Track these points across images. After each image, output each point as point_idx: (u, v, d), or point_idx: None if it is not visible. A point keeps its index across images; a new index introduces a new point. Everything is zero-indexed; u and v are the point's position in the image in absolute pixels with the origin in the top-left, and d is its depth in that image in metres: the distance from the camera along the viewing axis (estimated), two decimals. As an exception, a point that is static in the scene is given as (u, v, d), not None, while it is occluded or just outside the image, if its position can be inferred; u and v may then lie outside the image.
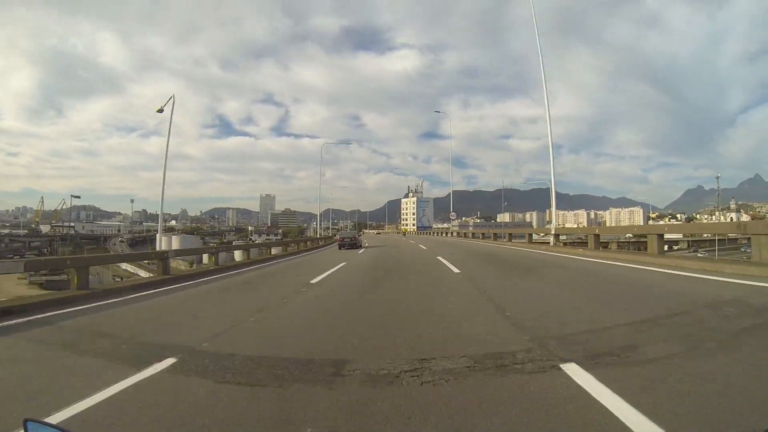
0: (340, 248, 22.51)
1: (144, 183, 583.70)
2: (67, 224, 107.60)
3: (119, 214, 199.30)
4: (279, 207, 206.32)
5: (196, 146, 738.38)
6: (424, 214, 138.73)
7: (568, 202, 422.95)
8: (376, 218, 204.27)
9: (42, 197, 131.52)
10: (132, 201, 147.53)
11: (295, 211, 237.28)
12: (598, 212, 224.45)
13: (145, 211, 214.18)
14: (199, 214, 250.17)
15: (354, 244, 23.31)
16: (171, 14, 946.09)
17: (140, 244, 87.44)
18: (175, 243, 49.04)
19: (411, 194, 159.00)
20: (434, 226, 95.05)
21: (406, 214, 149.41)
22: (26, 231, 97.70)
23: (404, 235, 65.43)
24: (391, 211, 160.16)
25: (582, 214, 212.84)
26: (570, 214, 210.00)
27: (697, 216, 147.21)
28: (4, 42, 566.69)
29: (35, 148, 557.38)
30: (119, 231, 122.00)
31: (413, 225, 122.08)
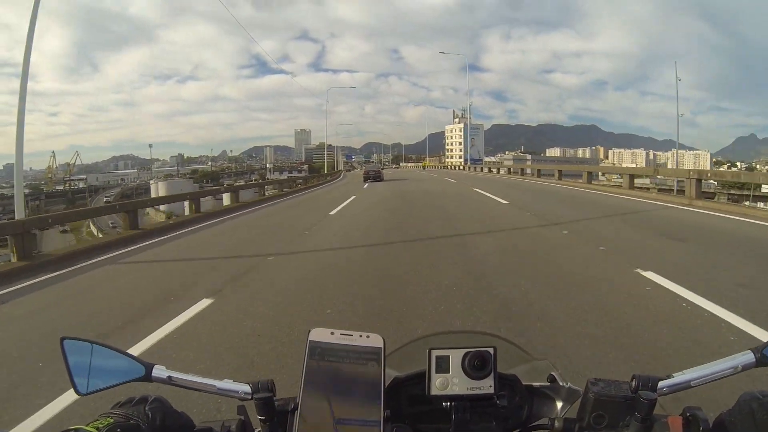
0: (365, 181, 25.66)
1: (184, 127, 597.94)
2: (80, 178, 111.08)
3: (158, 160, 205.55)
4: (315, 141, 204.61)
5: (233, 87, 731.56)
6: (473, 144, 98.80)
7: (612, 140, 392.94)
8: (417, 151, 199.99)
9: (53, 152, 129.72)
10: (150, 146, 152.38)
11: (331, 145, 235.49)
12: (657, 152, 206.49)
13: (182, 155, 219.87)
14: (238, 154, 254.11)
15: (378, 177, 26.66)
16: None
17: (135, 195, 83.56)
18: (162, 190, 49.59)
19: (457, 119, 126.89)
20: (485, 159, 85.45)
21: (452, 144, 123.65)
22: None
23: (424, 168, 63.89)
24: (433, 144, 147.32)
25: (640, 153, 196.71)
26: (627, 152, 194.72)
27: (757, 166, 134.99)
28: (31, 4, 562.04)
29: (75, 105, 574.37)
30: (132, 181, 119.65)
31: (460, 157, 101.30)
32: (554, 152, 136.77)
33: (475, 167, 42.76)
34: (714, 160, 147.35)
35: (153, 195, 46.14)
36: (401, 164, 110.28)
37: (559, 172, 23.06)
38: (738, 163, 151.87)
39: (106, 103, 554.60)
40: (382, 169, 38.40)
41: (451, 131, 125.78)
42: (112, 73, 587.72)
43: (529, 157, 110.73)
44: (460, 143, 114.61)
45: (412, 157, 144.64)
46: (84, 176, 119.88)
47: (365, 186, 21.17)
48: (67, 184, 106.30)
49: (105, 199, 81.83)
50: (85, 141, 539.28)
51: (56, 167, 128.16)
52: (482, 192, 13.62)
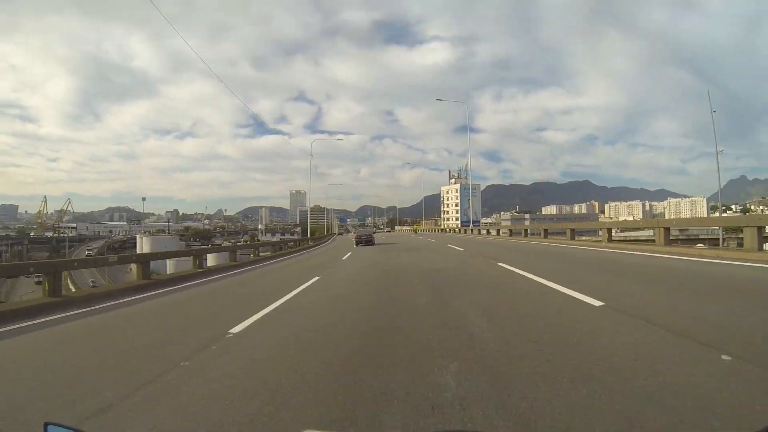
0: (356, 245, 25.14)
1: (181, 184, 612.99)
2: (70, 226, 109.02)
3: (153, 215, 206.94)
4: (311, 203, 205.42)
5: (230, 146, 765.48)
6: (469, 206, 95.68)
7: (605, 195, 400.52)
8: (413, 214, 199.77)
9: (45, 197, 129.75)
10: (143, 199, 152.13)
11: (324, 208, 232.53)
12: (653, 203, 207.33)
13: (177, 211, 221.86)
14: (234, 213, 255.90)
15: (369, 241, 26.03)
16: (200, 15, 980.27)
17: (120, 249, 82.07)
18: (146, 246, 47.30)
19: (453, 180, 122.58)
20: (483, 220, 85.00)
21: (448, 205, 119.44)
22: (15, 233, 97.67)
23: (415, 232, 61.57)
24: (429, 206, 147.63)
25: (636, 205, 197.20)
26: (623, 205, 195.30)
27: (752, 207, 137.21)
28: (40, 50, 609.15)
29: (76, 153, 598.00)
30: (120, 233, 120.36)
31: (456, 219, 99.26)
32: (550, 210, 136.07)
33: (472, 229, 39.73)
34: (711, 204, 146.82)
35: (138, 250, 44.21)
36: (396, 227, 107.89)
37: (572, 230, 19.63)
38: (732, 206, 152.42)
39: (106, 154, 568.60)
40: (374, 233, 38.06)
41: (448, 192, 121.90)
42: (113, 123, 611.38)
43: (527, 216, 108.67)
44: (456, 204, 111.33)
45: (407, 220, 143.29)
46: (74, 225, 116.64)
47: (345, 257, 18.10)
48: (57, 231, 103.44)
49: (87, 252, 78.07)
50: (83, 189, 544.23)
51: (47, 213, 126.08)
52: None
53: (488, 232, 32.71)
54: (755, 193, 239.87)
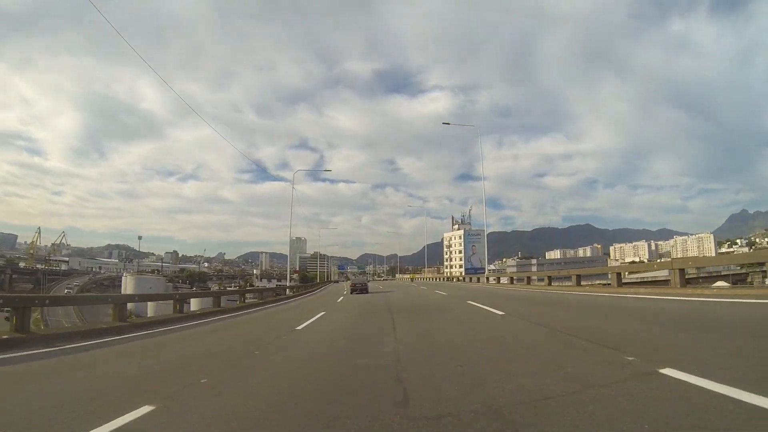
0: (351, 292, 26.22)
1: (181, 225, 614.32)
2: (62, 259, 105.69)
3: (153, 254, 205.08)
4: (311, 250, 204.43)
5: (232, 190, 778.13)
6: (473, 252, 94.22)
7: (607, 237, 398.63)
8: (414, 262, 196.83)
9: (39, 229, 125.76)
10: (140, 238, 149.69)
11: (325, 255, 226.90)
12: (658, 242, 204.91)
13: (176, 252, 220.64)
14: (235, 257, 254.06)
15: (363, 289, 26.93)
16: (207, 61, 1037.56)
17: (106, 288, 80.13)
18: (130, 286, 45.89)
19: (456, 226, 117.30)
20: (488, 268, 79.66)
21: (451, 251, 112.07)
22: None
23: (411, 280, 60.23)
24: (431, 254, 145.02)
25: (642, 245, 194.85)
26: (628, 246, 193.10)
27: (757, 240, 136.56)
28: (52, 87, 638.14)
29: (78, 188, 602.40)
30: (110, 271, 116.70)
31: (460, 267, 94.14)
32: (554, 254, 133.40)
33: (478, 278, 37.38)
34: (718, 240, 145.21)
35: (123, 290, 42.94)
36: (397, 275, 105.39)
37: (577, 276, 18.84)
38: (738, 240, 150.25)
39: (109, 191, 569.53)
40: (371, 281, 40.15)
41: (451, 239, 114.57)
42: (117, 162, 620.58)
43: (534, 261, 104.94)
44: (460, 251, 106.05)
45: (408, 268, 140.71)
46: (67, 258, 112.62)
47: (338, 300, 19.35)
48: (47, 264, 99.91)
49: (66, 289, 74.85)
50: (83, 224, 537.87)
51: (39, 245, 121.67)
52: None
53: (498, 280, 30.47)
54: (758, 226, 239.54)
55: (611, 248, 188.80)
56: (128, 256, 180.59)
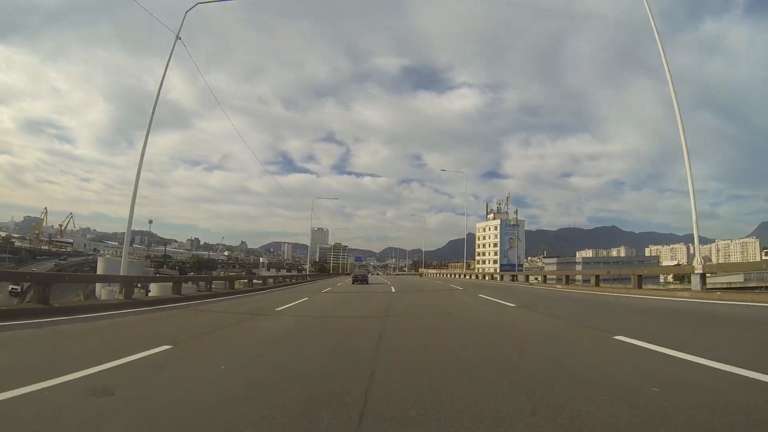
0: (353, 282, 28.99)
1: (206, 214, 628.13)
2: (66, 241, 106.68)
3: (175, 241, 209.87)
4: (332, 241, 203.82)
5: (258, 182, 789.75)
6: (510, 246, 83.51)
7: (633, 240, 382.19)
8: (438, 257, 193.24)
9: (45, 208, 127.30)
10: (150, 221, 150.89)
11: (346, 246, 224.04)
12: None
13: (197, 239, 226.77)
14: (258, 247, 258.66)
15: (364, 280, 30.09)
16: (236, 56, 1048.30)
17: (75, 269, 77.05)
18: (100, 268, 45.02)
19: (492, 215, 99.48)
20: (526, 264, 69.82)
21: (485, 245, 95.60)
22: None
23: (421, 276, 56.58)
24: (454, 250, 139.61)
25: (680, 248, 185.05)
26: (665, 249, 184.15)
27: None
28: (83, 78, 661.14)
29: (106, 176, 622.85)
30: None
31: (494, 263, 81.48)
32: (586, 254, 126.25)
33: (515, 276, 32.94)
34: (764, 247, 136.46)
35: (99, 271, 43.01)
36: (420, 270, 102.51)
37: (639, 277, 15.60)
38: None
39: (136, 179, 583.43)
40: (374, 273, 37.54)
41: (484, 230, 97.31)
42: (145, 151, 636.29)
43: (579, 258, 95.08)
44: (495, 244, 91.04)
45: (432, 263, 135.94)
46: (71, 240, 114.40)
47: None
48: (51, 245, 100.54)
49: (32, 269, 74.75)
50: (110, 211, 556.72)
51: (46, 225, 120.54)
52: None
53: (544, 279, 26.78)
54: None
55: (646, 249, 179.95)
56: (150, 241, 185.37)
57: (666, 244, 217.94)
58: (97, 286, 30.47)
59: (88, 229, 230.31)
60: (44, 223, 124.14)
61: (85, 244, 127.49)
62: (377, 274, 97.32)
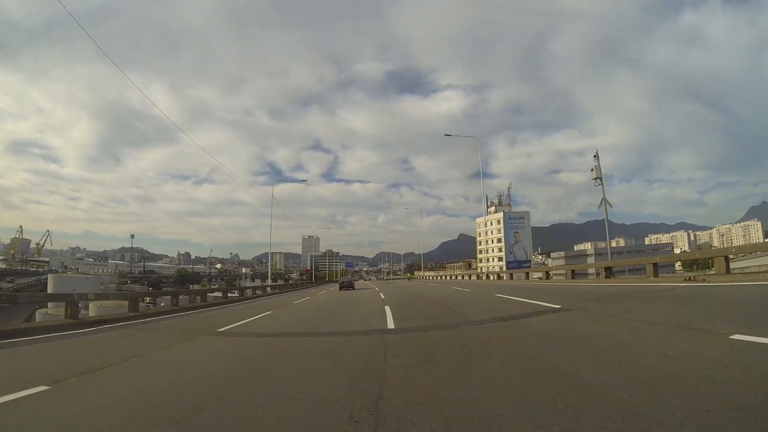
0: (340, 288, 29.81)
1: (196, 228, 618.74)
2: (42, 260, 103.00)
3: (166, 256, 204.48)
4: (324, 248, 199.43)
5: (247, 193, 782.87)
6: (516, 240, 76.59)
7: (626, 231, 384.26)
8: (432, 259, 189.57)
9: (21, 227, 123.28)
10: (132, 236, 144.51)
11: (338, 253, 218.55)
12: (696, 233, 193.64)
13: (188, 254, 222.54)
14: (250, 258, 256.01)
15: (350, 286, 30.95)
16: (219, 67, 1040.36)
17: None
18: (50, 286, 43.18)
19: (493, 207, 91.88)
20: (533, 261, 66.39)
21: (487, 241, 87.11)
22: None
23: (409, 279, 53.01)
24: (448, 252, 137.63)
25: (681, 236, 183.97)
26: (665, 237, 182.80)
27: None
28: (66, 96, 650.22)
29: (94, 194, 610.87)
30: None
31: (499, 260, 75.13)
32: (585, 247, 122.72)
33: (527, 273, 29.31)
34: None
35: (49, 289, 40.02)
36: (415, 273, 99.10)
37: (654, 265, 15.24)
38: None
39: (124, 196, 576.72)
40: (366, 279, 35.07)
41: (486, 224, 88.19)
42: (132, 167, 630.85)
43: (590, 248, 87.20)
44: (499, 240, 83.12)
45: (428, 265, 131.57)
46: (47, 259, 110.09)
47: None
48: (26, 265, 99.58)
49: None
50: (100, 229, 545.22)
51: (43, 247, 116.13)
52: None
53: (547, 275, 24.11)
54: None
55: (646, 239, 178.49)
56: (141, 257, 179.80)
57: (660, 233, 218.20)
58: (50, 305, 27.93)
59: (78, 248, 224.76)
60: (18, 240, 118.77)
61: (62, 262, 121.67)
62: (369, 280, 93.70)
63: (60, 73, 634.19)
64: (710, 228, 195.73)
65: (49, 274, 51.23)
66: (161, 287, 71.82)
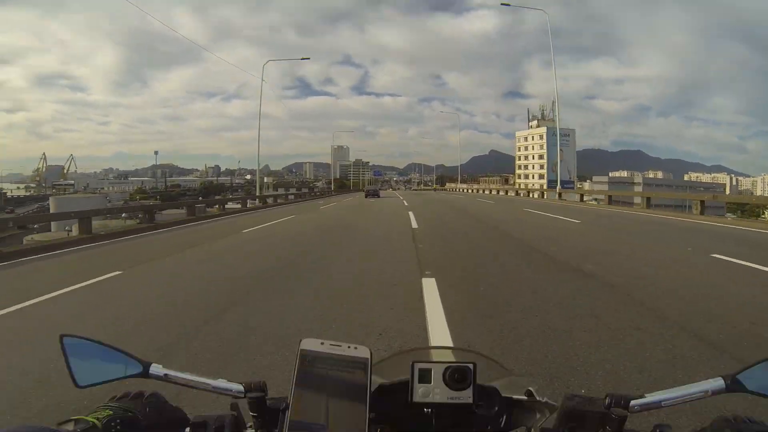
0: (366, 197, 32.29)
1: (227, 142, 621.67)
2: (68, 184, 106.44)
3: (197, 170, 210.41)
4: (353, 158, 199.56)
5: (276, 107, 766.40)
6: (561, 158, 64.07)
7: (659, 165, 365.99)
8: (462, 173, 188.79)
9: (44, 154, 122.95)
10: (156, 152, 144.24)
11: (368, 162, 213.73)
12: (739, 178, 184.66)
13: (218, 167, 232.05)
14: (280, 168, 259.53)
15: (376, 194, 33.84)
16: None
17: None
18: (52, 206, 44.02)
19: (536, 122, 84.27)
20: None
21: (529, 156, 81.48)
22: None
23: (435, 191, 53.97)
24: (478, 165, 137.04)
25: (723, 178, 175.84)
26: (705, 177, 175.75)
27: None
28: (86, 26, 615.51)
29: (123, 117, 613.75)
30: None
31: (540, 177, 70.47)
32: (620, 174, 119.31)
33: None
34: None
35: (51, 211, 40.79)
36: (447, 185, 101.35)
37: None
38: None
39: (153, 116, 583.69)
40: (395, 189, 35.73)
41: (527, 139, 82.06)
42: (160, 89, 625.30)
43: (640, 178, 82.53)
44: (541, 156, 76.79)
45: (456, 178, 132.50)
46: (72, 182, 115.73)
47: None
48: (53, 188, 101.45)
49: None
50: (131, 149, 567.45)
51: (44, 170, 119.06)
52: None
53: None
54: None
55: (686, 176, 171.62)
56: (172, 173, 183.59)
57: (698, 172, 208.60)
58: (53, 224, 26.33)
59: (111, 168, 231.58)
60: (43, 169, 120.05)
61: (87, 184, 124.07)
62: (397, 189, 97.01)
63: (77, 5, 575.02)
64: (749, 176, 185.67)
65: (50, 197, 53.31)
66: (179, 200, 75.41)
